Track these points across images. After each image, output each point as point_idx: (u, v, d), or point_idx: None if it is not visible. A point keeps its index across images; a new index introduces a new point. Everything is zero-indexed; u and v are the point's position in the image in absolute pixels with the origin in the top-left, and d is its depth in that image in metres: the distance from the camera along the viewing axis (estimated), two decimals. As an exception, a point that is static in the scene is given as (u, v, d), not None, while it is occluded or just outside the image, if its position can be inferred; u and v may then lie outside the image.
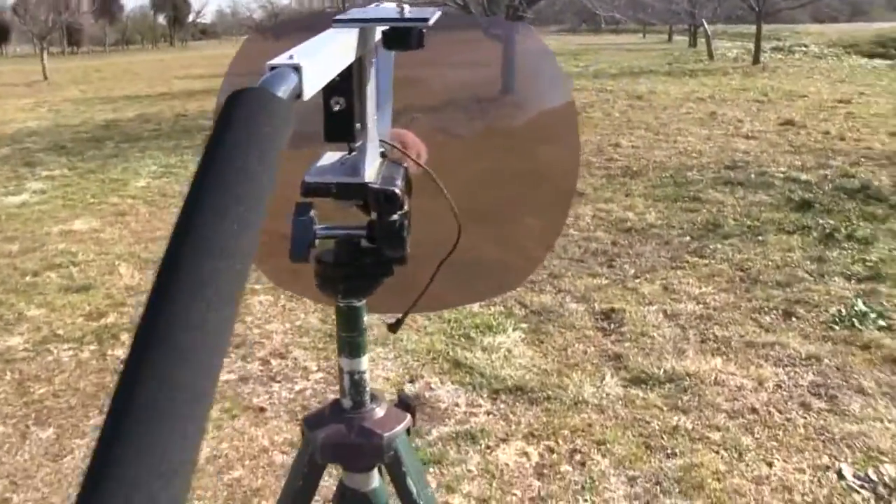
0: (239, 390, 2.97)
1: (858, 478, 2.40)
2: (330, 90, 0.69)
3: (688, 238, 4.67)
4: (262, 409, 2.84)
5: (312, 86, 0.47)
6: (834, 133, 8.01)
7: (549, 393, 2.86)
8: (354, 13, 0.69)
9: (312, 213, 0.79)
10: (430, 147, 0.95)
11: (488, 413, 2.77)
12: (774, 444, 2.56)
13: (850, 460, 2.47)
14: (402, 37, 0.69)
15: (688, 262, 4.26)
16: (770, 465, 2.45)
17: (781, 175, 6.18)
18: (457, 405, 2.82)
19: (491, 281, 1.24)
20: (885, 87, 12.19)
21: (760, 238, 4.61)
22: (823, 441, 2.57)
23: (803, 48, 22.15)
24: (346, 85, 0.69)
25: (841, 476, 2.40)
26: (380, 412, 0.94)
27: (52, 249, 4.80)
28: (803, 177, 6.07)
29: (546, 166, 1.12)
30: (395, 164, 0.83)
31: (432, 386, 2.95)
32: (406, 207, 0.79)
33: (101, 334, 3.50)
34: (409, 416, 0.96)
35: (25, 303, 3.90)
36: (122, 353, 3.32)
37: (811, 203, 5.27)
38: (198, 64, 24.59)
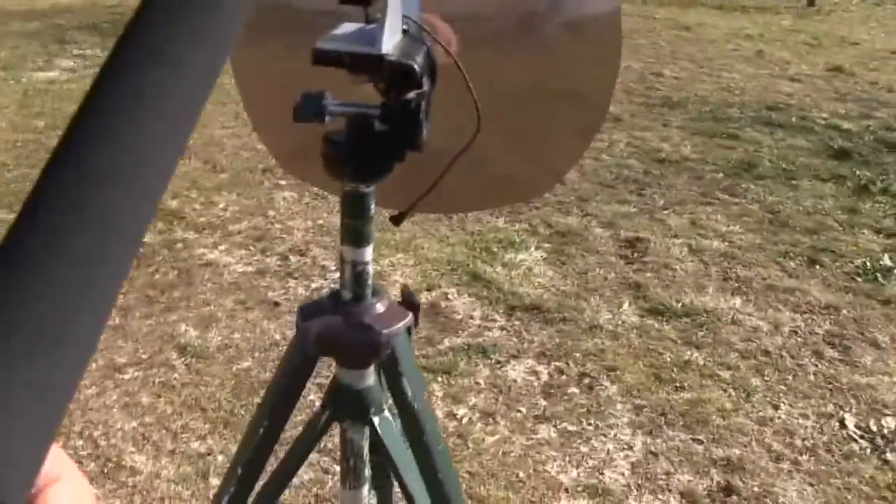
0: (255, 283, 2.99)
1: (860, 428, 2.41)
2: None
3: (721, 175, 4.59)
4: (276, 304, 2.87)
5: None
6: (882, 84, 7.75)
7: (565, 315, 2.86)
8: None
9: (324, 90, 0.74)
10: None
11: (502, 328, 2.78)
12: (783, 388, 2.56)
13: (854, 410, 2.47)
14: None
15: (718, 198, 4.20)
16: (776, 407, 2.46)
17: (823, 121, 6.01)
18: (471, 318, 2.83)
19: (506, 190, 1.17)
20: (943, 41, 11.72)
21: (794, 182, 4.52)
22: (831, 390, 2.57)
23: (863, -8, 21.25)
24: None
25: (843, 425, 2.41)
26: (380, 307, 0.88)
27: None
28: (845, 125, 5.91)
29: (578, 83, 1.05)
30: (416, 42, 0.76)
31: (449, 296, 2.95)
32: (424, 87, 0.72)
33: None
34: (410, 315, 0.90)
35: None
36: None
37: (850, 153, 5.13)
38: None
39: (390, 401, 0.95)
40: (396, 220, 0.90)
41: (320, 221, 3.55)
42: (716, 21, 12.75)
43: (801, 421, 2.41)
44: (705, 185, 4.40)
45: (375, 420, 0.94)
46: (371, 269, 0.87)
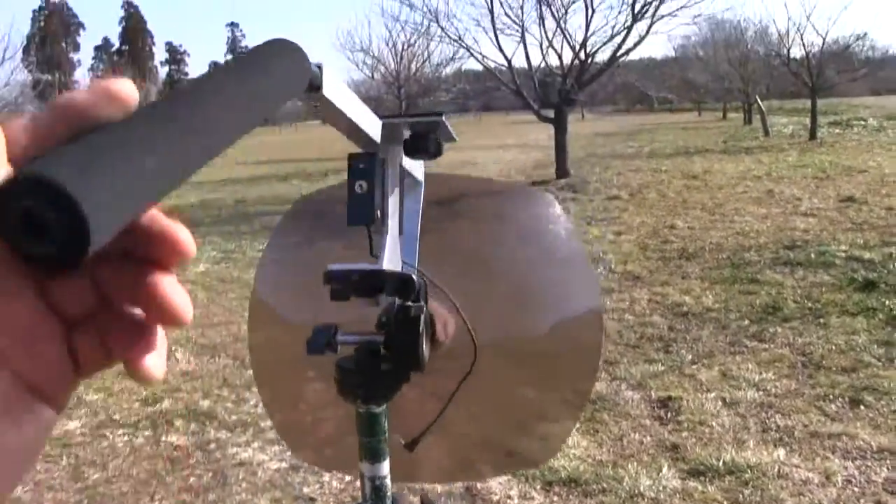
0: (289, 479, 2.95)
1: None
2: (355, 174, 0.75)
3: (746, 322, 4.56)
4: (311, 500, 2.81)
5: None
6: (897, 209, 7.82)
7: (604, 485, 2.78)
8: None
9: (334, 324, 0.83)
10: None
11: (541, 506, 2.69)
12: (845, 544, 2.42)
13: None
14: (418, 142, 0.77)
15: (747, 346, 4.15)
16: (841, 567, 2.32)
17: (843, 254, 6.03)
18: (509, 497, 2.75)
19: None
20: (950, 162, 11.89)
21: (822, 321, 4.48)
22: (898, 543, 2.43)
23: (861, 122, 21.77)
24: (369, 170, 0.74)
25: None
26: None
27: (113, 334, 4.90)
28: (866, 255, 5.91)
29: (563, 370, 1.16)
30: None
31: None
32: (424, 309, 0.80)
33: (156, 420, 3.55)
34: None
35: (84, 387, 3.98)
36: (175, 438, 3.34)
37: (875, 283, 5.11)
38: (260, 150, 25.34)
39: None
40: (410, 447, 0.96)
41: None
42: (722, 166, 13.08)
43: (869, 579, 2.26)
44: (731, 334, 4.36)
45: None
46: (388, 482, 0.92)
